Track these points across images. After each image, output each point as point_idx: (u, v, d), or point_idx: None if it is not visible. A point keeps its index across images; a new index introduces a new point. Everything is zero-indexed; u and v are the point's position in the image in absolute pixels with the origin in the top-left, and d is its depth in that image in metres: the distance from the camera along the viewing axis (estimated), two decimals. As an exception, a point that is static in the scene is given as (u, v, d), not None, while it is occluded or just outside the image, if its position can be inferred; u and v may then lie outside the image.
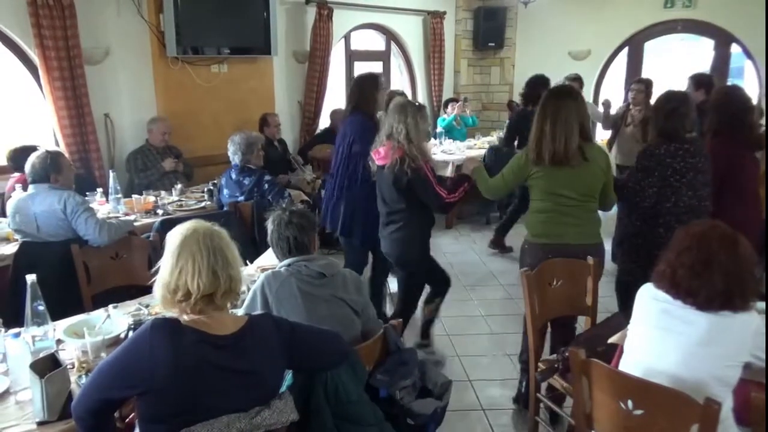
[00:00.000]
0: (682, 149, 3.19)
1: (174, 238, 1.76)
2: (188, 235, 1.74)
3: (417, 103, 3.56)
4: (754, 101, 3.66)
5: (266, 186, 4.33)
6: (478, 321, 4.45)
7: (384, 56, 8.13)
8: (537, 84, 5.50)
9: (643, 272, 2.66)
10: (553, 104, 2.96)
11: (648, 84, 5.67)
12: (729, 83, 7.12)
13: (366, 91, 3.97)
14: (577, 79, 6.16)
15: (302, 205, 3.14)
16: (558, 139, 2.90)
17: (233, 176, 4.38)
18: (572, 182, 2.97)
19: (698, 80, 5.08)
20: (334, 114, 6.56)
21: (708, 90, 4.82)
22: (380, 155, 3.45)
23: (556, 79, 6.26)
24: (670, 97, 3.31)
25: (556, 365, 2.64)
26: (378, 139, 3.51)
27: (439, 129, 7.47)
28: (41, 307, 2.26)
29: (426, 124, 3.48)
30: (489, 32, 8.60)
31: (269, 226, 2.52)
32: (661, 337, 2.00)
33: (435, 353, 3.86)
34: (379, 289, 4.25)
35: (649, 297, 2.08)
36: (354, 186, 3.91)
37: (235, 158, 4.37)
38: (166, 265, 1.73)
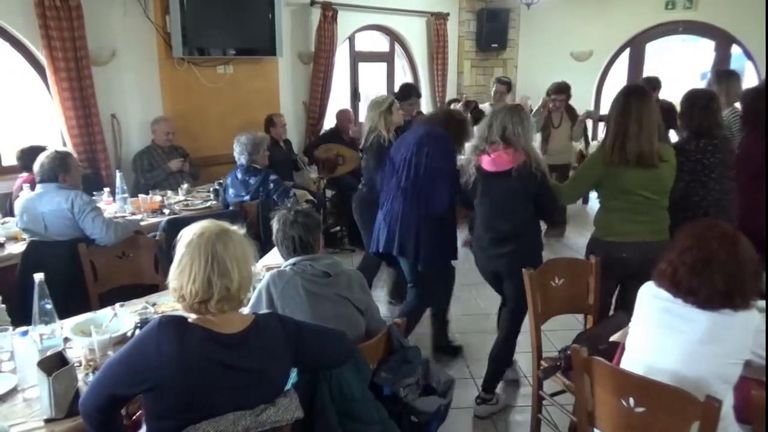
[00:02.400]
0: (711, 145, 3.22)
1: (183, 237, 1.77)
2: (194, 239, 1.74)
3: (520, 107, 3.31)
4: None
5: (271, 186, 4.35)
6: (481, 319, 4.46)
7: (388, 57, 8.14)
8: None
9: None
10: (638, 104, 2.89)
11: (567, 89, 6.08)
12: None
13: (463, 132, 3.65)
14: (507, 83, 6.39)
15: (307, 204, 3.16)
16: (645, 140, 2.86)
17: (239, 176, 4.40)
18: (650, 182, 2.95)
19: (649, 82, 5.48)
20: (341, 114, 6.59)
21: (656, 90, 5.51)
22: (503, 160, 3.07)
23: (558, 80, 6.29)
24: (697, 94, 3.33)
25: (558, 363, 2.66)
26: (481, 141, 3.19)
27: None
28: (49, 306, 2.29)
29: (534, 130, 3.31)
30: (492, 33, 8.61)
31: (274, 225, 2.52)
32: (663, 336, 2.01)
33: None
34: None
35: (650, 296, 2.10)
36: (437, 204, 3.48)
37: (241, 158, 4.39)
38: (173, 263, 1.76)
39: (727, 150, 3.26)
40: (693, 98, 3.31)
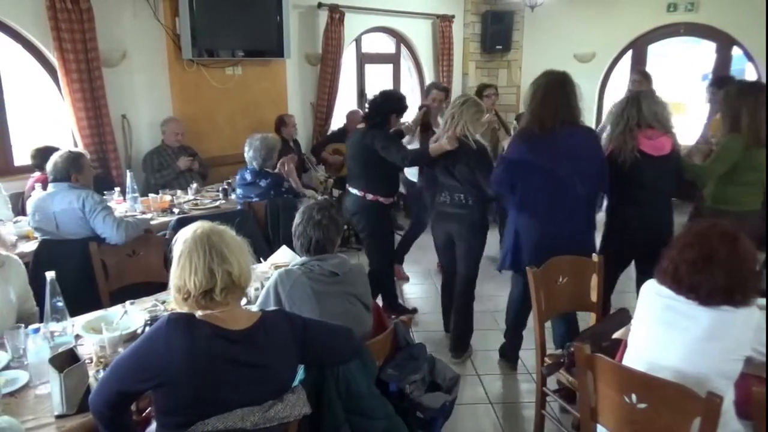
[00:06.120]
0: None
1: (178, 240, 1.81)
2: (188, 237, 1.79)
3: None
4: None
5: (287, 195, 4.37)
6: (486, 316, 4.47)
7: (394, 59, 8.16)
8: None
9: None
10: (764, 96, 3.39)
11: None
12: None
13: (572, 98, 3.22)
14: (445, 89, 6.39)
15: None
16: None
17: (248, 178, 4.36)
18: None
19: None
20: (351, 115, 6.62)
21: None
22: (666, 144, 3.30)
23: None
24: (760, 87, 3.62)
25: (561, 360, 2.68)
26: (632, 125, 3.26)
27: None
28: (60, 304, 2.32)
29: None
30: (496, 35, 8.62)
31: (297, 216, 2.51)
32: (665, 332, 2.03)
33: None
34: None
35: (652, 293, 2.11)
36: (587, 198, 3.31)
37: (253, 163, 4.34)
38: (172, 266, 1.80)
39: None
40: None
